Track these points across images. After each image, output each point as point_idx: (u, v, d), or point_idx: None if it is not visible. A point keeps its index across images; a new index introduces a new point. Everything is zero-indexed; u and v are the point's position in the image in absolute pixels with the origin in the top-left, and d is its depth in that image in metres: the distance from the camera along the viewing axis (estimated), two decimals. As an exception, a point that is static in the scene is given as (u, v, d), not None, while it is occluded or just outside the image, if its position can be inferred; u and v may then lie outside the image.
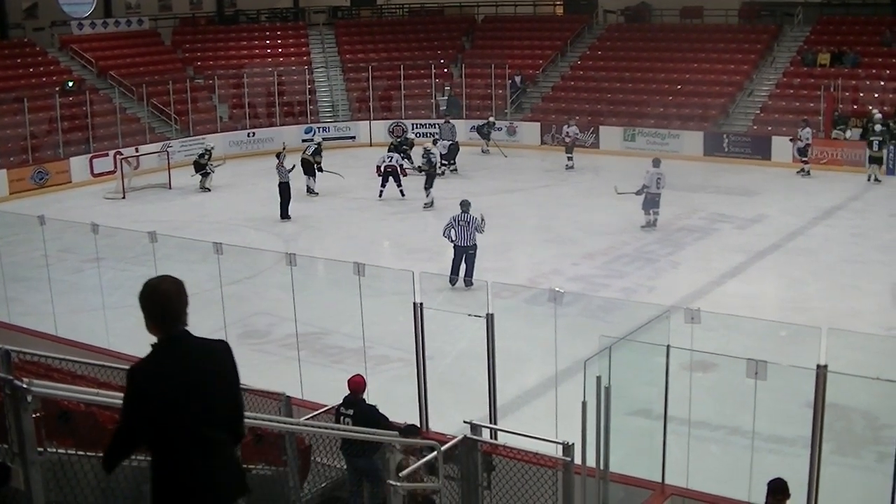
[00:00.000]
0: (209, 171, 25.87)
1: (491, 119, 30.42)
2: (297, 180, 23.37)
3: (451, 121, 29.16)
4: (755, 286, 16.68)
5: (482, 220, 16.44)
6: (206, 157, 26.08)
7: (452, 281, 16.06)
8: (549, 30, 35.98)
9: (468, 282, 16.02)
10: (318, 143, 25.36)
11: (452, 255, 16.45)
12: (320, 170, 24.43)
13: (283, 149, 23.47)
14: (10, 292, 14.98)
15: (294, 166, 22.83)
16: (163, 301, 3.96)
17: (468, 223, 16.38)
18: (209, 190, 25.79)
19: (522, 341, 12.71)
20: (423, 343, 9.58)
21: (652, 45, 32.97)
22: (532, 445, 7.46)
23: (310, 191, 24.21)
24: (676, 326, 8.20)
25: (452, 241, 16.45)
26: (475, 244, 16.39)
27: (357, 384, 8.54)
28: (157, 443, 3.99)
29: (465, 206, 16.62)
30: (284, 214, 22.06)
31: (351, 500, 8.28)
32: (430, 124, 31.41)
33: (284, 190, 22.09)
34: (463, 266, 16.34)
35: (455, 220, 16.47)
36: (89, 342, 12.83)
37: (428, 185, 23.05)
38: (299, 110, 32.92)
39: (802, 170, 25.45)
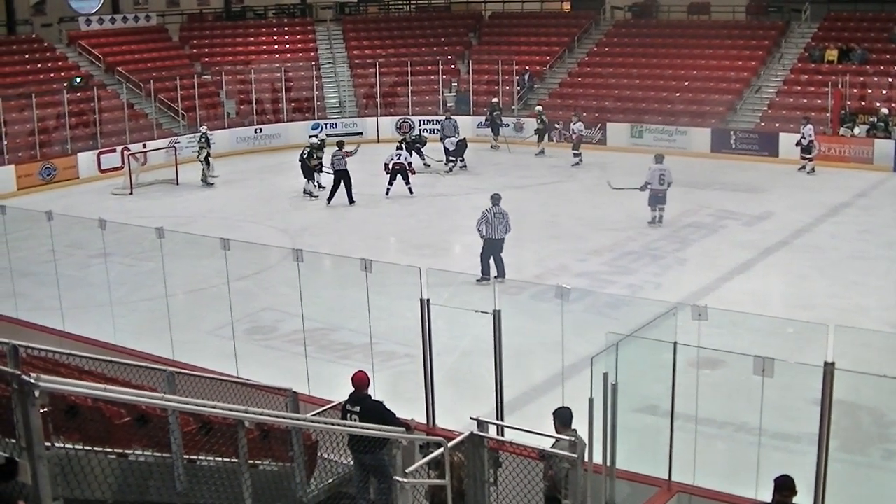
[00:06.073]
0: (208, 159, 25.83)
1: (494, 101, 30.45)
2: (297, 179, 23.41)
3: (452, 117, 29.01)
4: (762, 283, 16.63)
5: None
6: (203, 140, 26.03)
7: (486, 277, 16.05)
8: (556, 26, 35.95)
9: (499, 277, 16.00)
10: (312, 145, 24.33)
11: (481, 251, 16.37)
12: (322, 152, 24.23)
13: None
14: (17, 287, 15.05)
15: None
16: None
17: (501, 215, 16.40)
18: (212, 184, 25.81)
19: (529, 338, 12.71)
20: (429, 339, 9.58)
21: (659, 41, 32.91)
22: (539, 442, 7.46)
23: (307, 193, 23.98)
24: (683, 323, 8.18)
25: (483, 235, 16.40)
26: (503, 237, 16.39)
27: (360, 380, 8.52)
28: None
29: (495, 199, 16.62)
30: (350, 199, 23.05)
31: (358, 496, 8.28)
32: (436, 120, 31.42)
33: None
34: (492, 263, 16.26)
35: (490, 213, 16.44)
36: (96, 337, 12.87)
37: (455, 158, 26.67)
38: (306, 106, 32.94)
39: (804, 167, 25.41)
